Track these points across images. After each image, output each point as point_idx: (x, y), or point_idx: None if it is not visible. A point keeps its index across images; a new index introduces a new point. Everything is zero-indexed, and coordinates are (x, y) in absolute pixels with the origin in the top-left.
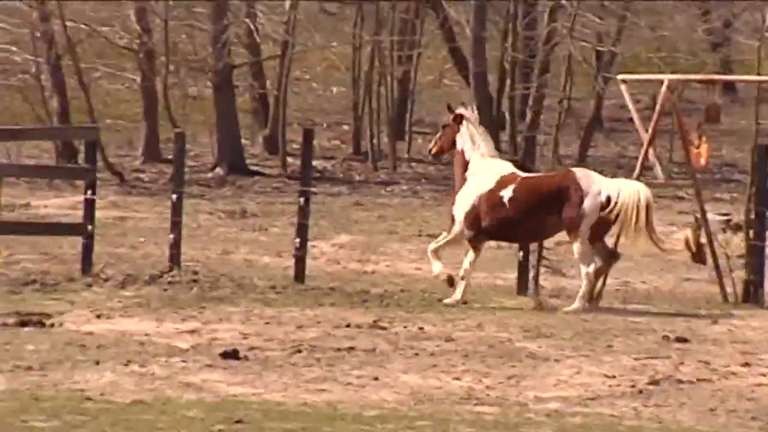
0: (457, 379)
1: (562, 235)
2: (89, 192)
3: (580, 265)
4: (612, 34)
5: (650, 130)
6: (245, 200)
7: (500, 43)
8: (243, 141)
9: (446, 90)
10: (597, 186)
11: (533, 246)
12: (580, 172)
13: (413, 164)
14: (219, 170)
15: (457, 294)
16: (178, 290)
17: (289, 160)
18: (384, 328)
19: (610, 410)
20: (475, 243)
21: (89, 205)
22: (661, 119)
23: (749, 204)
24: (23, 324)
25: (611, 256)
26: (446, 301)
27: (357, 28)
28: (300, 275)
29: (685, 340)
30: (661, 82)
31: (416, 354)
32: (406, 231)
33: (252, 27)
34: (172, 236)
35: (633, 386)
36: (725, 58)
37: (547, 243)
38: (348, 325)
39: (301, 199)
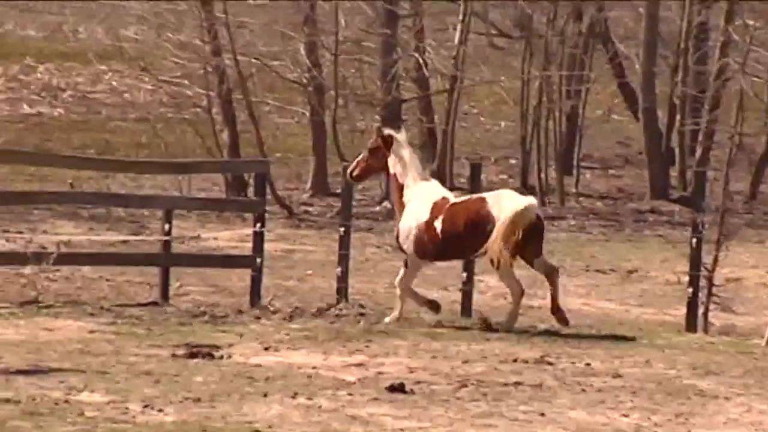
0: (625, 416)
1: (732, 272)
2: (258, 225)
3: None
4: None
5: None
6: None
7: (670, 78)
8: None
9: (615, 125)
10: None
11: (703, 282)
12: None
13: (581, 199)
14: (387, 204)
15: (395, 313)
16: (345, 323)
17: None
18: (551, 364)
19: None
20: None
21: (258, 238)
22: None
23: None
24: (193, 356)
25: (551, 271)
26: (386, 319)
27: (525, 62)
28: (466, 309)
29: None
30: None
31: (583, 390)
32: (573, 266)
33: (421, 61)
34: (339, 269)
35: None
36: None
37: (718, 280)
38: (515, 360)
39: None
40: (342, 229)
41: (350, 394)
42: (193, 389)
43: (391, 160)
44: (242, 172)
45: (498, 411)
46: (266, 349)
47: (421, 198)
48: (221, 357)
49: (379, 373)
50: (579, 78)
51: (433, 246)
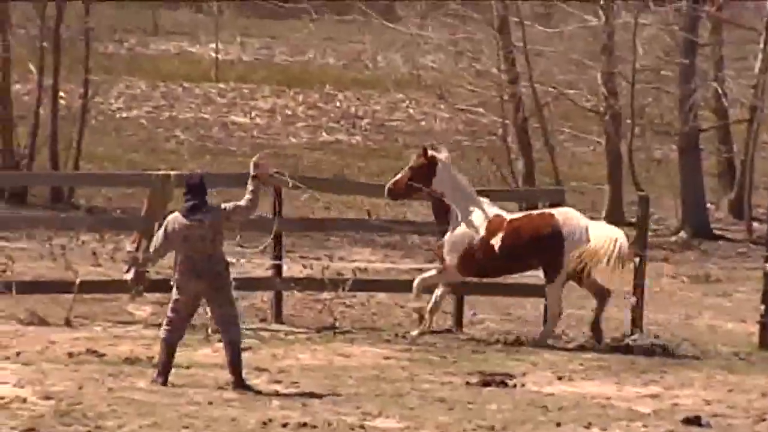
0: None
1: None
2: None
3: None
4: None
5: None
6: (709, 264)
7: None
8: (708, 205)
9: None
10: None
11: None
12: (560, 216)
13: None
14: (683, 234)
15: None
16: (640, 354)
17: (755, 225)
18: None
19: None
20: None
21: None
22: None
23: None
24: (486, 384)
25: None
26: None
27: None
28: (764, 342)
29: None
30: None
31: None
32: None
33: (720, 91)
34: (633, 299)
35: None
36: None
37: None
38: None
39: (767, 265)
40: (637, 258)
41: (645, 426)
42: (486, 417)
43: (437, 180)
44: (537, 201)
45: None
46: (560, 378)
47: (474, 216)
48: (515, 385)
49: (674, 404)
50: None
51: (486, 263)
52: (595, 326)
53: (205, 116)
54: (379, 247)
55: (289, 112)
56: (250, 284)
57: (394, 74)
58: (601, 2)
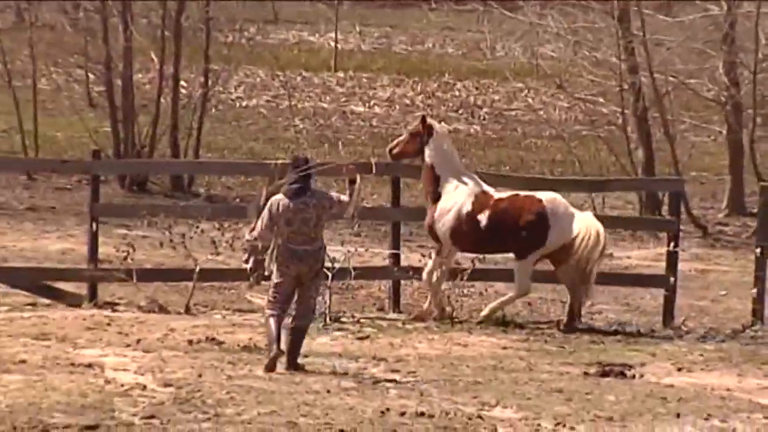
0: None
1: None
2: (672, 244)
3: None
4: None
5: None
6: None
7: None
8: None
9: None
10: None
11: None
12: (548, 202)
13: None
14: None
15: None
16: (761, 345)
17: None
18: None
19: None
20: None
21: (672, 257)
22: None
23: None
24: (604, 374)
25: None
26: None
27: None
28: None
29: None
30: None
31: None
32: None
33: None
34: (755, 290)
35: None
36: None
37: None
38: None
39: None
40: (758, 249)
41: (766, 418)
42: (605, 408)
43: (428, 150)
44: (657, 191)
45: None
46: (679, 369)
47: (461, 190)
48: (633, 376)
49: None
50: None
51: (473, 237)
52: (569, 316)
53: (324, 105)
54: None
55: (408, 102)
56: (368, 273)
57: (513, 63)
58: None
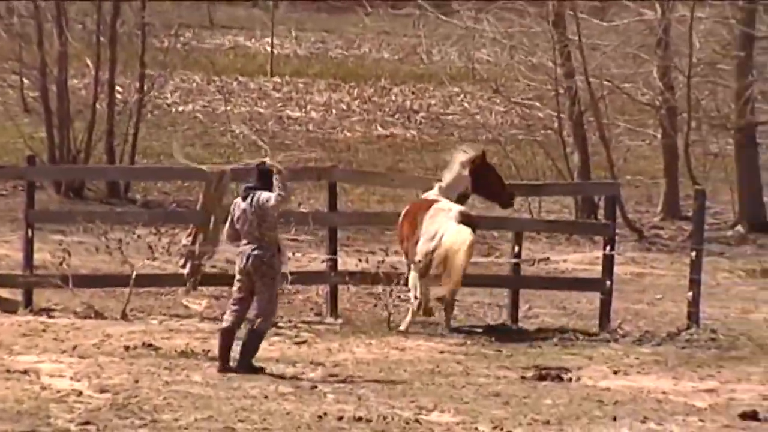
0: None
1: None
2: (608, 248)
3: None
4: None
5: None
6: (766, 259)
7: None
8: (765, 199)
9: None
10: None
11: None
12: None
13: None
14: (739, 228)
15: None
16: (696, 348)
17: None
18: None
19: None
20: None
21: (608, 261)
22: None
23: None
24: (542, 378)
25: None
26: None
27: None
28: None
29: None
30: None
31: None
32: None
33: None
34: (690, 294)
35: None
36: None
37: None
38: None
39: None
40: (693, 252)
41: (701, 421)
42: (542, 412)
43: None
44: (592, 194)
45: None
46: (615, 372)
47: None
48: (570, 380)
49: (731, 399)
50: None
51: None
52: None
53: (260, 110)
54: None
55: (344, 106)
56: (305, 278)
57: (450, 68)
58: None
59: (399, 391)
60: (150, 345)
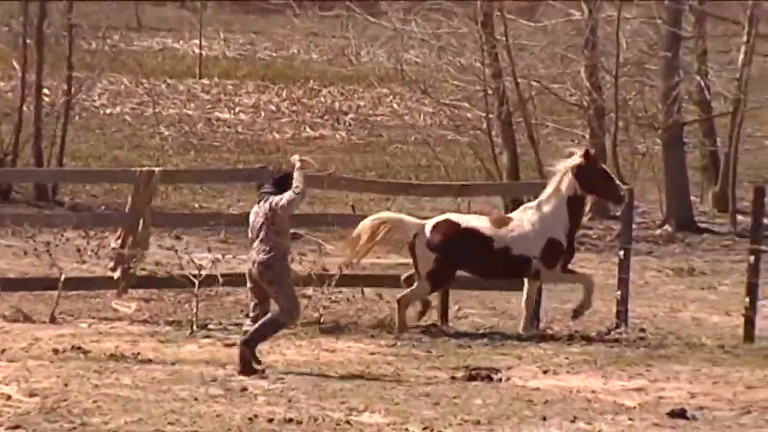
0: None
1: None
2: None
3: None
4: None
5: None
6: (693, 258)
7: None
8: (692, 198)
9: None
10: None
11: None
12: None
13: None
14: (667, 227)
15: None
16: (625, 347)
17: (740, 218)
18: None
19: None
20: None
21: None
22: None
23: None
24: (471, 378)
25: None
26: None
27: None
28: (749, 335)
29: None
30: None
31: None
32: None
33: (703, 84)
34: (618, 293)
35: None
36: None
37: None
38: None
39: (752, 258)
40: (622, 252)
41: (630, 419)
42: (472, 412)
43: None
44: (521, 195)
45: None
46: (545, 372)
47: None
48: (500, 380)
49: (660, 398)
50: None
51: None
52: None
53: (189, 112)
54: None
55: (273, 108)
56: (236, 280)
57: (378, 69)
58: None
59: (329, 393)
60: (79, 348)
